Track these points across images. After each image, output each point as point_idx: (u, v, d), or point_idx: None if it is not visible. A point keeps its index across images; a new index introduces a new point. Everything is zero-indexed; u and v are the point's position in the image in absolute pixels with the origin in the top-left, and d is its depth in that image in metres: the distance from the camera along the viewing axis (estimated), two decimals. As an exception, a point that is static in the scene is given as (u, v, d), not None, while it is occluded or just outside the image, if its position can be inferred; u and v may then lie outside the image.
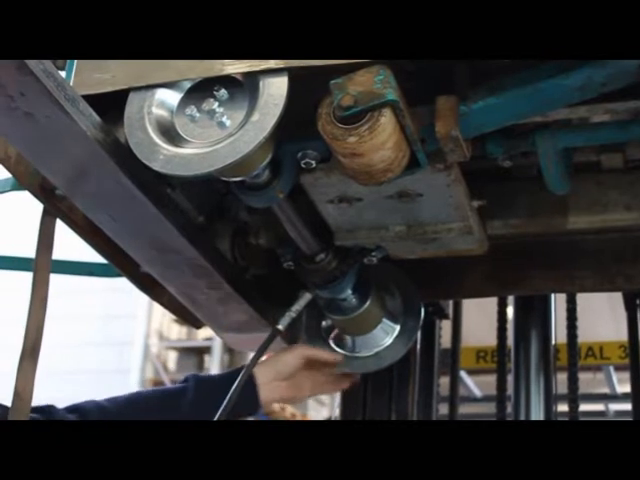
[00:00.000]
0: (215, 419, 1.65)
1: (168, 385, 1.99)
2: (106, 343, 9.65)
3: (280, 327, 1.83)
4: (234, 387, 1.71)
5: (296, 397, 1.99)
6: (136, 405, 1.80)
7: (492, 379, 2.54)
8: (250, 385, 1.83)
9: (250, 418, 1.85)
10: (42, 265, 1.58)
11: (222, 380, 1.85)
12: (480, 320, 3.32)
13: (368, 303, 1.90)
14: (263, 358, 1.87)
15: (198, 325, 2.14)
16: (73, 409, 1.75)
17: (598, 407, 5.74)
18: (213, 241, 1.79)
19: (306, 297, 1.85)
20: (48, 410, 1.70)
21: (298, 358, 1.92)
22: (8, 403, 1.49)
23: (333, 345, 2.01)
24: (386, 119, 1.31)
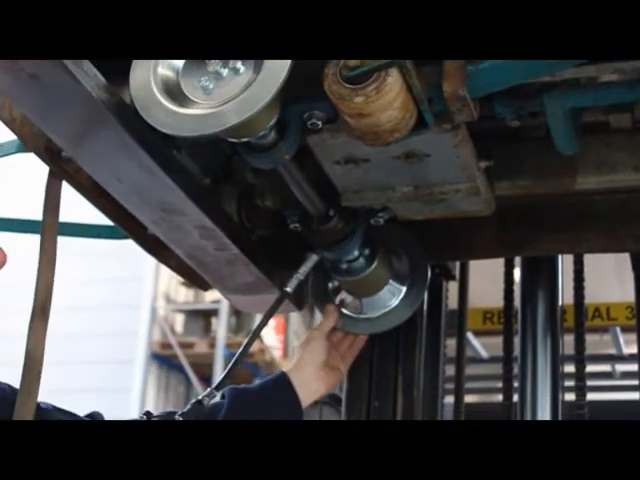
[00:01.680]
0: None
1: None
2: (113, 306, 9.69)
3: (288, 289, 1.84)
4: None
5: (338, 378, 2.02)
6: None
7: (499, 340, 2.54)
8: (287, 392, 1.88)
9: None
10: (49, 226, 1.58)
11: (257, 390, 1.89)
12: (487, 281, 3.32)
13: (375, 264, 1.90)
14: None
15: (205, 287, 2.15)
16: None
17: (605, 368, 5.75)
18: (219, 203, 1.79)
19: (313, 259, 1.85)
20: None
21: (322, 340, 1.95)
22: (20, 364, 1.49)
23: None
24: (393, 79, 1.30)
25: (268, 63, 1.33)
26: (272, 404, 1.87)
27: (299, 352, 1.98)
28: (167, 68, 1.41)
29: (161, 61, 1.41)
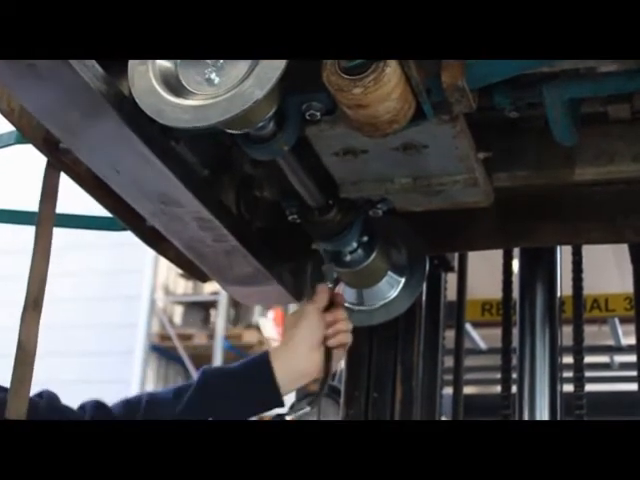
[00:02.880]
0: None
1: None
2: (112, 298, 9.69)
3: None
4: None
5: (332, 362, 1.83)
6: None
7: (497, 332, 2.54)
8: (264, 375, 1.72)
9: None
10: (45, 217, 1.57)
11: (232, 371, 1.76)
12: (485, 273, 3.32)
13: (373, 256, 1.90)
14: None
15: (204, 279, 2.15)
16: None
17: (603, 359, 5.76)
18: (218, 194, 1.78)
19: None
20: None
21: (317, 316, 1.80)
22: (11, 356, 1.49)
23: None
24: (391, 70, 1.30)
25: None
26: (246, 387, 1.72)
27: (289, 328, 1.82)
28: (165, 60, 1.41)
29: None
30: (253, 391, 1.72)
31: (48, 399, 1.63)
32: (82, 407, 1.67)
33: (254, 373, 1.74)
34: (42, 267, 1.55)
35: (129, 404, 1.68)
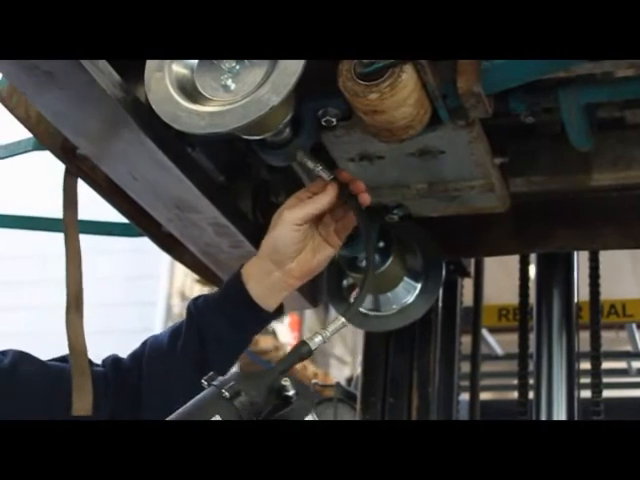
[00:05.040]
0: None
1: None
2: (129, 303, 9.71)
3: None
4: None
5: (306, 273, 1.58)
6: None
7: (514, 337, 2.53)
8: (242, 298, 1.56)
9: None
10: (70, 223, 1.60)
11: (216, 297, 1.60)
12: (502, 278, 3.31)
13: (389, 261, 1.89)
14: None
15: (220, 284, 2.15)
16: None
17: (620, 365, 5.73)
18: (234, 200, 1.79)
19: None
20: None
21: (293, 230, 1.52)
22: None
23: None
24: (407, 75, 1.30)
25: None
26: (228, 310, 1.56)
27: (274, 228, 1.54)
28: (182, 65, 1.41)
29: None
30: (237, 312, 1.57)
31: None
32: (103, 364, 1.65)
33: (231, 292, 1.59)
34: (77, 268, 1.58)
35: (134, 356, 1.65)
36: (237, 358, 1.62)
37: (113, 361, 1.63)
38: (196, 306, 1.60)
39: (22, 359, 1.53)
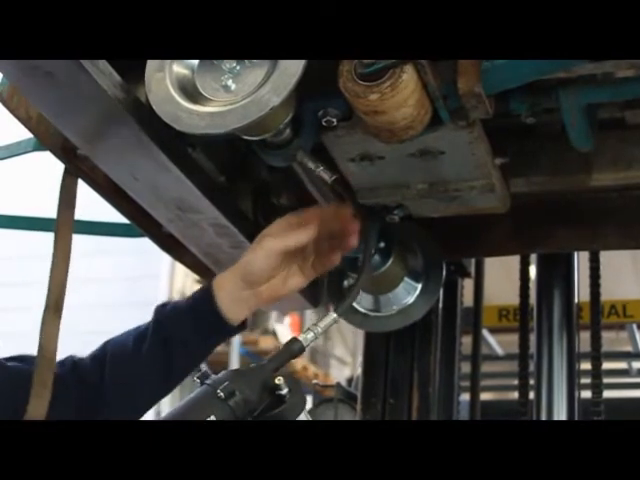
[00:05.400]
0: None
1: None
2: (129, 304, 9.70)
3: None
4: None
5: (274, 297, 1.62)
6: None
7: (515, 338, 2.53)
8: (212, 309, 1.57)
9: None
10: (64, 224, 1.58)
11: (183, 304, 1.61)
12: (502, 279, 3.31)
13: (390, 262, 1.90)
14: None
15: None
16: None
17: (621, 365, 5.72)
18: (235, 201, 1.79)
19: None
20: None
21: (270, 258, 1.56)
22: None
23: (355, 304, 2.01)
24: (408, 76, 1.30)
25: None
26: (192, 318, 1.58)
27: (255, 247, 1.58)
28: (182, 65, 1.41)
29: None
30: (203, 320, 1.58)
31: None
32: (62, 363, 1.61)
33: (200, 302, 1.60)
34: (62, 271, 1.56)
35: (95, 358, 1.64)
36: (201, 363, 1.62)
37: (73, 363, 1.63)
38: (163, 312, 1.61)
39: None
